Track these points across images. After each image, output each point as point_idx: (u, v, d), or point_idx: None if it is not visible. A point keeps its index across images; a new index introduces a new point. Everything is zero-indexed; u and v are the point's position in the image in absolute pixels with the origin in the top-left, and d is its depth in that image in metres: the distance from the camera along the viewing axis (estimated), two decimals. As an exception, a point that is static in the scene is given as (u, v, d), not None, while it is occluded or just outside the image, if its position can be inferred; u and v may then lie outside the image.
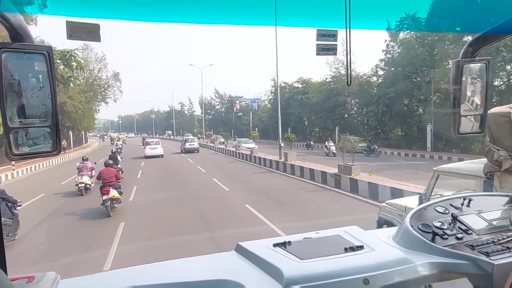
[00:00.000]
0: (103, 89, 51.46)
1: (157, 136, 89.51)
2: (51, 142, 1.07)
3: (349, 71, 1.28)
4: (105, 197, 9.79)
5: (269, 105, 65.99)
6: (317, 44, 1.46)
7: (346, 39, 1.20)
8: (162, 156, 28.90)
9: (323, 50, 1.48)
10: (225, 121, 74.71)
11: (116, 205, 10.17)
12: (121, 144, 37.20)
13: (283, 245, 1.38)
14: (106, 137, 74.45)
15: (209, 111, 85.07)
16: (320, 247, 1.37)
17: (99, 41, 1.22)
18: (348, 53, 1.21)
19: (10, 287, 0.54)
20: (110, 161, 10.94)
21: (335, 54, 1.48)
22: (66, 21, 1.21)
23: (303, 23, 1.44)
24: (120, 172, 11.54)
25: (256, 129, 54.01)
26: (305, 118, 51.93)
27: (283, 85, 53.66)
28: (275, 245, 1.38)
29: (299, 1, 1.35)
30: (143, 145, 35.53)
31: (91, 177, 13.77)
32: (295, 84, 55.05)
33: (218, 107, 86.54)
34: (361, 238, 1.42)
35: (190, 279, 1.21)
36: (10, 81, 0.99)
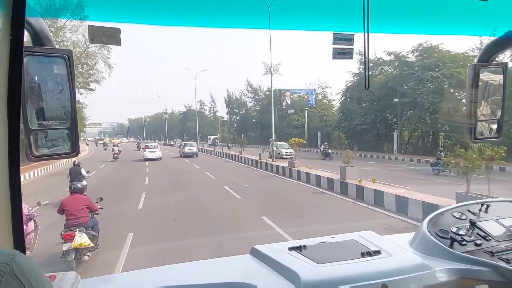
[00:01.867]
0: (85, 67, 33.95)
1: (156, 141, 77.59)
2: (69, 144, 1.10)
3: (367, 75, 1.28)
4: (66, 246, 5.75)
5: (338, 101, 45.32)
6: (333, 48, 1.46)
7: (364, 43, 1.20)
8: (160, 159, 30.75)
9: (339, 54, 1.48)
10: (263, 122, 56.96)
11: (87, 257, 6.17)
12: (118, 150, 32.37)
13: (299, 249, 1.37)
14: (100, 142, 64.70)
15: (237, 110, 72.15)
16: (336, 252, 1.36)
17: (120, 44, 1.24)
18: (367, 57, 1.21)
19: (46, 283, 0.55)
20: (79, 185, 6.86)
21: (351, 58, 1.48)
22: (89, 25, 1.23)
23: (320, 27, 1.45)
24: (97, 201, 6.89)
25: (318, 133, 40.99)
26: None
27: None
28: (290, 248, 1.37)
29: (316, 5, 1.35)
30: (138, 149, 39.02)
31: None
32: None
33: (250, 104, 69.77)
34: (378, 243, 1.41)
35: (207, 281, 1.22)
36: (32, 84, 1.02)
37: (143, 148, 34.22)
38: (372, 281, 1.16)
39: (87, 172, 12.27)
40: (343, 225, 8.40)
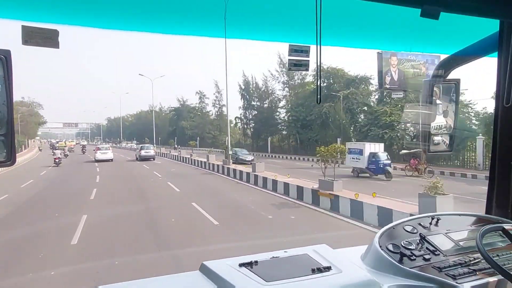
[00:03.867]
0: None
1: (132, 143, 69.82)
2: (5, 151, 1.00)
3: (319, 88, 1.26)
4: None
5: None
6: (289, 59, 1.44)
7: (317, 55, 1.18)
8: (111, 160, 31.45)
9: (295, 65, 1.46)
10: (307, 119, 39.74)
11: None
12: (60, 154, 29.00)
13: (249, 265, 1.33)
14: (57, 145, 51.67)
15: (257, 103, 50.40)
16: (287, 268, 1.33)
17: (58, 47, 1.15)
18: (319, 69, 1.19)
19: None
20: None
21: (307, 70, 1.47)
22: (22, 25, 1.13)
23: (275, 37, 1.43)
24: None
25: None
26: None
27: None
28: (241, 265, 1.32)
29: (272, 16, 1.33)
30: (83, 153, 37.98)
31: None
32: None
33: (281, 92, 48.23)
34: (330, 258, 1.39)
35: None
36: None
37: (94, 150, 34.25)
38: None
39: None
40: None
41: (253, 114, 51.84)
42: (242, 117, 53.60)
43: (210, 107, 63.54)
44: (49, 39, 1.15)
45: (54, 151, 29.34)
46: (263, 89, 50.04)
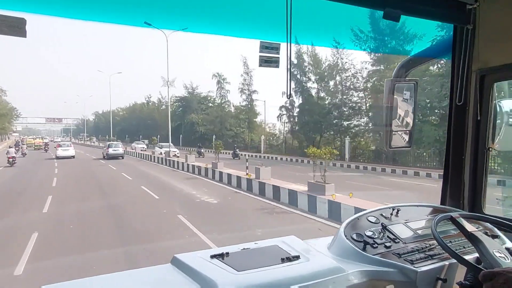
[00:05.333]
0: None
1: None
2: None
3: (289, 85, 1.31)
4: None
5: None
6: (259, 56, 1.49)
7: (287, 53, 1.23)
8: (73, 157, 30.35)
9: (265, 62, 1.50)
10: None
11: None
12: (16, 153, 25.89)
13: (221, 256, 1.36)
14: (23, 145, 41.56)
15: (303, 93, 34.90)
16: (258, 258, 1.37)
17: (25, 36, 1.11)
18: (289, 66, 1.24)
19: None
20: None
21: (277, 66, 1.52)
22: (-14, 12, 1.09)
23: (246, 34, 1.47)
24: None
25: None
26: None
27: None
28: (212, 256, 1.35)
29: (242, 13, 1.36)
30: (45, 152, 35.76)
31: None
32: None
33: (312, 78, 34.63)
34: (298, 248, 1.44)
35: None
36: None
37: (55, 147, 32.86)
38: (289, 286, 1.18)
39: None
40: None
41: (307, 103, 34.46)
42: (289, 107, 36.97)
43: (234, 96, 48.32)
44: (15, 27, 1.11)
45: (8, 149, 25.84)
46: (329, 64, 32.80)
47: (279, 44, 1.45)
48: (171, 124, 52.24)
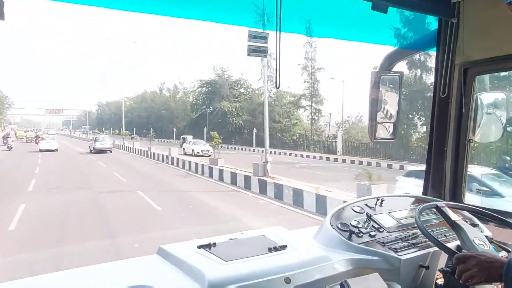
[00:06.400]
0: None
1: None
2: None
3: (278, 75, 1.30)
4: None
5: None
6: (248, 45, 1.47)
7: (277, 42, 1.22)
8: (57, 150, 30.30)
9: (254, 51, 1.49)
10: None
11: None
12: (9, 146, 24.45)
13: (208, 246, 1.35)
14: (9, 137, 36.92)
15: None
16: (245, 248, 1.37)
17: (3, 19, 1.06)
18: (278, 56, 1.23)
19: None
20: None
21: (265, 56, 1.51)
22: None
23: (236, 21, 1.45)
24: None
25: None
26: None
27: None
28: (199, 247, 1.35)
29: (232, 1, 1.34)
30: (36, 143, 33.80)
31: None
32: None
33: None
34: (285, 238, 1.46)
35: (109, 286, 1.13)
36: None
37: (39, 140, 32.44)
38: (276, 275, 1.19)
39: None
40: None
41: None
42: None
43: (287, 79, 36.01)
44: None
45: None
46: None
47: (267, 33, 1.44)
48: (192, 114, 44.95)
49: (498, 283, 1.15)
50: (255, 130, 35.39)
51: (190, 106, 47.99)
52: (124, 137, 40.88)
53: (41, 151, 29.52)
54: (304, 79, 35.37)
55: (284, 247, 1.37)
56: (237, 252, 1.32)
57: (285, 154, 30.86)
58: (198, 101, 46.29)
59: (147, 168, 20.53)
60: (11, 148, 32.08)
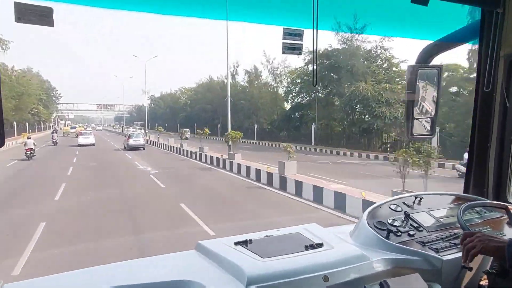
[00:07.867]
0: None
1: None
2: None
3: (315, 71, 1.29)
4: None
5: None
6: (283, 43, 1.47)
7: (313, 39, 1.21)
8: (93, 145, 32.28)
9: (288, 49, 1.49)
10: None
11: None
12: (34, 144, 22.23)
13: (245, 243, 1.37)
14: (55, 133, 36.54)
15: None
16: (281, 245, 1.38)
17: (52, 25, 1.12)
18: (315, 53, 1.22)
19: None
20: None
21: (300, 53, 1.50)
22: (15, 2, 1.10)
23: (270, 20, 1.44)
24: None
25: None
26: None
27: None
28: (236, 243, 1.36)
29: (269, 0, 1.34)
30: (54, 144, 34.56)
31: None
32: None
33: None
34: (321, 235, 1.45)
35: (149, 280, 1.17)
36: None
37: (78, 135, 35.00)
38: (314, 273, 1.19)
39: None
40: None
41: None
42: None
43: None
44: (43, 16, 1.12)
45: (26, 140, 22.53)
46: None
47: (303, 30, 1.43)
48: (284, 104, 35.99)
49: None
50: (313, 124, 28.64)
51: (285, 93, 36.90)
52: (159, 134, 38.35)
53: (79, 145, 31.67)
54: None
55: (320, 245, 1.37)
56: (273, 249, 1.33)
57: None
58: (303, 83, 33.78)
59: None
60: (56, 143, 33.73)
